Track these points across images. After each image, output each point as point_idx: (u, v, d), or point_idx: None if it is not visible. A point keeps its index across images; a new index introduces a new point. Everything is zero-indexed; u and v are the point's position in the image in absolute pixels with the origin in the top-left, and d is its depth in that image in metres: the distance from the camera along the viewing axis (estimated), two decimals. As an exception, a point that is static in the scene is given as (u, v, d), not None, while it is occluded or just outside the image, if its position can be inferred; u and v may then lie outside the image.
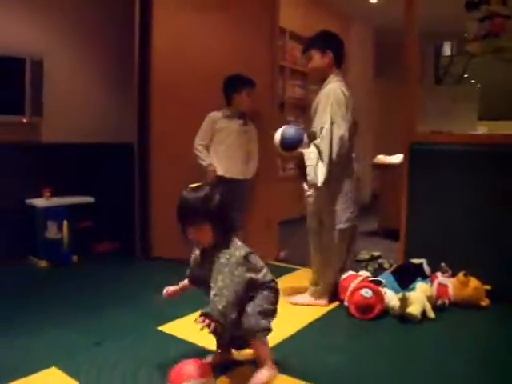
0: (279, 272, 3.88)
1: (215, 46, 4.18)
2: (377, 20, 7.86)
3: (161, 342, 2.59)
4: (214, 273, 2.08)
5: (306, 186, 3.19)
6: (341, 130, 3.01)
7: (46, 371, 2.23)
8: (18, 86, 4.07)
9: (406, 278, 3.12)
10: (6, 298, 3.28)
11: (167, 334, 2.69)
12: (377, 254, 4.39)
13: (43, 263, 4.09)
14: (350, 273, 3.18)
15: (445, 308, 3.05)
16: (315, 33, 3.32)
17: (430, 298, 2.97)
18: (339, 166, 3.08)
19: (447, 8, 4.48)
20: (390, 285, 3.09)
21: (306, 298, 3.25)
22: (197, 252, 2.29)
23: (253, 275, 2.13)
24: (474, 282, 3.10)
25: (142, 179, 4.37)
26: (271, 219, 4.31)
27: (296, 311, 3.10)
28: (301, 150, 3.05)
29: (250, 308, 2.12)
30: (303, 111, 6.76)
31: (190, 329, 2.27)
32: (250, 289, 2.13)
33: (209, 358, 2.30)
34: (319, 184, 3.01)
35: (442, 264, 3.27)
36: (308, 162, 3.01)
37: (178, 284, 2.34)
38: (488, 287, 3.18)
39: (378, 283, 3.05)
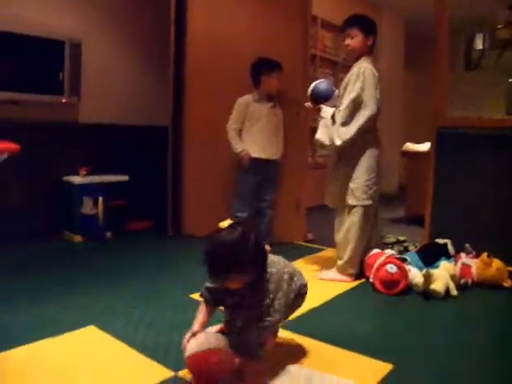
0: (307, 252, 4.05)
1: (248, 32, 4.27)
2: (407, 10, 7.86)
3: (192, 307, 2.72)
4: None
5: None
6: (367, 109, 3.13)
7: (86, 328, 2.38)
8: (57, 67, 4.23)
9: (430, 257, 3.20)
10: (47, 268, 3.47)
11: (198, 301, 2.82)
12: (402, 238, 4.46)
13: (78, 238, 4.26)
14: (376, 251, 3.27)
15: (468, 287, 3.12)
16: (358, 13, 3.39)
17: (453, 277, 3.04)
18: (362, 143, 3.22)
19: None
20: (414, 263, 3.17)
21: (332, 273, 3.35)
22: None
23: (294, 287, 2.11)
24: (497, 263, 3.16)
25: (175, 160, 4.50)
26: (300, 203, 4.42)
27: (323, 286, 3.20)
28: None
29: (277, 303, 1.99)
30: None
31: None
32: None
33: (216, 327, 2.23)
34: (326, 142, 3.26)
35: (466, 245, 3.33)
36: (322, 115, 3.28)
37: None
38: (511, 269, 3.24)
39: (403, 260, 3.13)
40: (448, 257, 3.24)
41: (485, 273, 3.15)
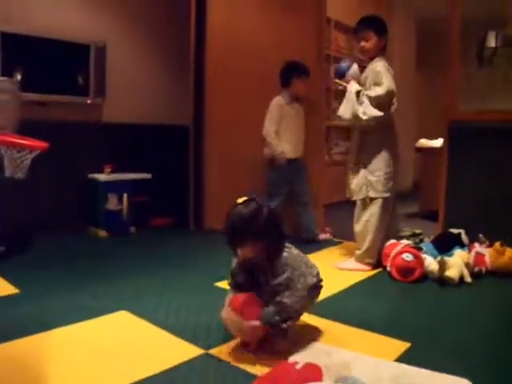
0: (325, 245, 4.18)
1: (266, 34, 4.41)
2: (418, 8, 7.95)
3: (217, 294, 2.86)
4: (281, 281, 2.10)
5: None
6: (383, 89, 3.27)
7: (118, 313, 2.53)
8: (83, 69, 4.43)
9: (444, 245, 3.32)
10: (77, 258, 3.68)
11: (224, 288, 2.96)
12: (418, 231, 4.56)
13: (103, 233, 4.43)
14: (392, 241, 3.39)
15: (482, 275, 3.22)
16: (370, 15, 3.53)
17: (467, 265, 3.15)
18: (382, 137, 3.38)
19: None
20: (429, 252, 3.29)
21: (351, 263, 3.48)
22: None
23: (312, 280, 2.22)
24: (510, 252, 3.26)
25: (196, 158, 4.67)
26: (318, 198, 4.54)
27: (342, 274, 3.34)
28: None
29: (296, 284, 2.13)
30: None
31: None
32: None
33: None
34: (346, 117, 3.43)
35: (480, 235, 3.44)
36: (349, 88, 3.44)
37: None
38: (524, 257, 3.34)
39: (419, 249, 3.25)
40: (462, 246, 3.36)
41: (498, 261, 3.25)
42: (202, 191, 4.65)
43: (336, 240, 4.36)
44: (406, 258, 3.11)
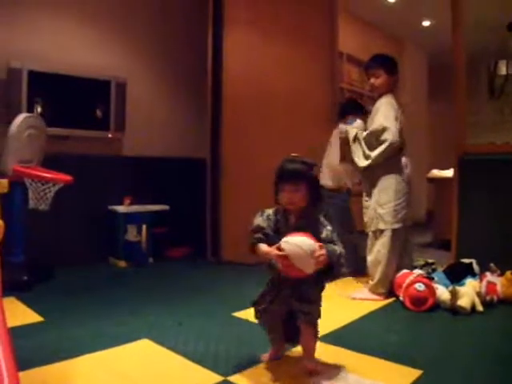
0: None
1: (280, 70, 4.58)
2: (430, 42, 8.10)
3: (235, 324, 2.96)
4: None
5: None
6: (390, 134, 3.38)
7: (140, 341, 2.62)
8: (104, 105, 4.59)
9: (456, 275, 3.39)
10: (100, 288, 3.82)
11: (241, 318, 3.05)
12: (431, 260, 4.62)
13: (122, 263, 4.55)
14: (405, 271, 3.47)
15: (493, 304, 3.28)
16: (381, 53, 3.69)
17: (478, 294, 3.22)
18: (389, 169, 3.49)
19: (494, 28, 4.74)
20: (441, 281, 3.36)
21: (364, 293, 3.56)
22: (269, 216, 2.34)
23: None
24: (521, 280, 3.34)
25: (213, 190, 4.80)
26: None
27: (355, 304, 3.41)
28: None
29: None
30: (360, 130, 7.06)
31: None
32: None
33: (265, 356, 2.39)
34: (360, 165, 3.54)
35: (491, 264, 3.50)
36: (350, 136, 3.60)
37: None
38: (535, 286, 3.39)
39: (431, 279, 3.33)
40: (473, 275, 3.43)
41: (509, 290, 3.31)
42: (220, 223, 4.76)
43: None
44: (419, 288, 3.18)
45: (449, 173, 5.46)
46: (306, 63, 4.56)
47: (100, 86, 4.57)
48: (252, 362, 2.34)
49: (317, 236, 2.17)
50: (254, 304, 2.32)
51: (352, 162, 3.64)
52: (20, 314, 3.03)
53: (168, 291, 3.75)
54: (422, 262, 4.53)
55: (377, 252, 3.50)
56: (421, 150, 8.43)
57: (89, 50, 4.61)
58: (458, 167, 3.93)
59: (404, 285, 3.29)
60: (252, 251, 2.27)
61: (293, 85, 4.49)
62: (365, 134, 3.50)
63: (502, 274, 3.43)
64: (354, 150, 3.58)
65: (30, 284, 3.60)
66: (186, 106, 5.38)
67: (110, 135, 4.62)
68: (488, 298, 3.27)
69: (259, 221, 2.32)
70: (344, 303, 2.93)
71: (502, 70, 8.95)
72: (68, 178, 3.69)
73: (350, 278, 4.20)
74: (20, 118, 3.70)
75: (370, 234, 3.59)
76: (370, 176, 3.56)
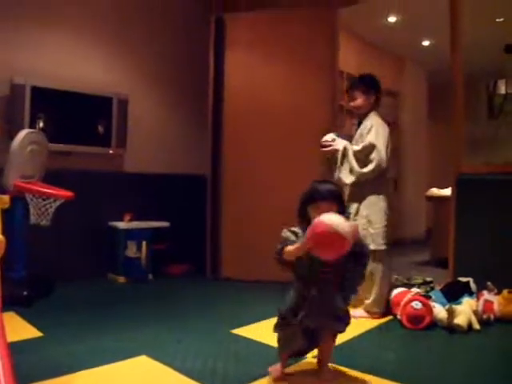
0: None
1: (281, 88, 4.63)
2: (430, 62, 8.16)
3: (233, 341, 2.97)
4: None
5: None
6: (379, 154, 3.41)
7: (138, 358, 2.63)
8: (106, 121, 4.64)
9: (453, 294, 3.41)
10: (100, 304, 3.83)
11: (239, 335, 3.07)
12: (429, 279, 4.63)
13: (122, 279, 4.57)
14: (402, 289, 3.49)
15: (490, 322, 3.30)
16: (360, 75, 3.75)
17: (475, 312, 3.24)
18: (378, 188, 3.50)
19: (491, 49, 4.82)
20: (438, 300, 3.38)
21: (359, 312, 3.57)
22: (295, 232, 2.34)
23: None
24: (517, 299, 3.36)
25: (214, 208, 4.83)
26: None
27: (352, 322, 3.40)
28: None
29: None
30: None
31: (260, 332, 2.61)
32: None
33: (276, 371, 2.39)
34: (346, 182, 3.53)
35: (488, 283, 3.52)
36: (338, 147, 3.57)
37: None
38: (532, 305, 3.41)
39: (428, 298, 3.35)
40: (470, 294, 3.45)
41: (506, 309, 3.33)
42: (219, 240, 4.79)
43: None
44: (416, 306, 3.20)
45: (447, 191, 5.49)
46: (307, 82, 4.61)
47: (102, 102, 4.62)
48: (249, 378, 2.35)
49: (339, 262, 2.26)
50: (282, 318, 2.34)
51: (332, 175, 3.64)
52: (20, 329, 3.05)
53: (167, 308, 3.76)
54: (419, 281, 4.56)
55: (370, 273, 3.51)
56: (420, 169, 8.48)
57: (91, 66, 4.67)
58: (455, 186, 3.97)
59: (401, 303, 3.31)
60: (280, 260, 2.32)
61: (293, 104, 4.54)
62: (355, 148, 3.52)
63: (498, 293, 3.45)
64: (340, 165, 3.59)
65: (30, 299, 3.62)
66: (186, 123, 5.44)
67: (111, 151, 4.66)
68: (485, 316, 3.29)
69: (287, 235, 2.34)
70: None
71: (501, 89, 9.05)
72: (69, 193, 3.73)
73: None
74: (22, 134, 3.74)
75: None
76: (359, 193, 3.55)
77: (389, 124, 3.67)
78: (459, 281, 3.61)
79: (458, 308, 3.16)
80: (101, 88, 4.63)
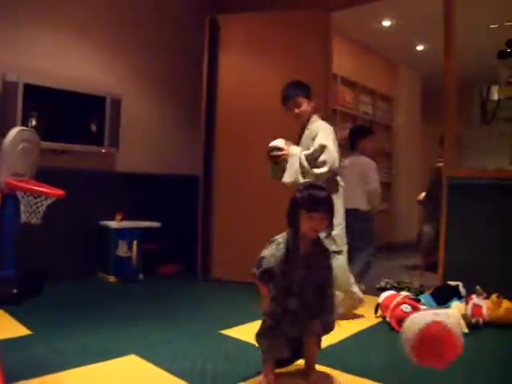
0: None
1: (273, 89, 4.63)
2: (424, 66, 8.21)
3: (222, 341, 2.98)
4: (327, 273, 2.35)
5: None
6: (329, 155, 3.38)
7: (127, 357, 2.63)
8: (98, 120, 4.63)
9: (442, 297, 3.43)
10: (90, 303, 3.84)
11: (229, 336, 3.08)
12: (419, 282, 4.67)
13: (112, 278, 4.57)
14: (392, 292, 3.51)
15: (479, 326, 3.31)
16: (291, 82, 3.68)
17: (464, 316, 3.25)
18: (335, 189, 3.50)
19: (486, 55, 4.85)
20: (427, 303, 3.40)
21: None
22: (279, 246, 2.33)
23: None
24: (506, 303, 3.37)
25: (205, 208, 4.83)
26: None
27: (343, 324, 3.40)
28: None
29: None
30: (353, 151, 7.14)
31: (249, 333, 2.60)
32: None
33: (264, 380, 2.33)
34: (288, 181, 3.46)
35: (477, 287, 3.54)
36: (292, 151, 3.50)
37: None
38: (521, 309, 3.43)
39: (417, 301, 3.37)
40: (459, 298, 3.47)
41: (495, 313, 3.35)
42: (211, 241, 4.79)
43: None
44: (405, 309, 3.21)
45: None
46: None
47: (95, 101, 4.61)
48: (239, 379, 2.36)
49: (322, 271, 2.32)
50: (266, 330, 2.31)
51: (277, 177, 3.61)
52: (9, 327, 3.05)
53: (157, 308, 3.77)
54: (410, 284, 4.60)
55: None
56: (413, 173, 8.51)
57: (85, 65, 4.67)
58: (447, 191, 3.99)
59: (391, 306, 3.32)
60: (255, 282, 2.38)
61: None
62: (306, 153, 3.44)
63: (487, 297, 3.47)
64: (288, 166, 3.50)
65: (19, 297, 3.61)
66: (179, 124, 5.44)
67: (103, 150, 4.65)
68: (474, 320, 3.30)
69: (269, 261, 2.31)
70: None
71: (495, 95, 9.08)
72: (60, 192, 3.71)
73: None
74: (14, 132, 3.73)
75: None
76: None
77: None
78: (449, 285, 3.63)
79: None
80: (94, 87, 4.62)
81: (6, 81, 4.08)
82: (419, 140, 8.83)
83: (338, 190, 3.53)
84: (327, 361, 2.60)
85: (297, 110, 3.60)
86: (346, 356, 2.80)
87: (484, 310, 3.37)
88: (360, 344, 3.07)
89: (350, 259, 4.48)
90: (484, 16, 5.38)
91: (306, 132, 3.60)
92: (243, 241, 4.57)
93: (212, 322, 3.40)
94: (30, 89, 4.16)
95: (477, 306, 3.37)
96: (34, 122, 4.20)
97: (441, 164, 4.61)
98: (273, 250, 2.32)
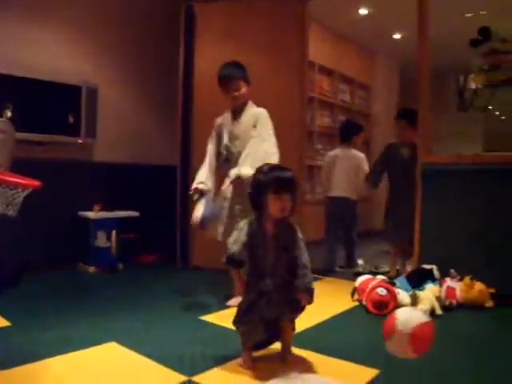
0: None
1: (251, 77, 4.65)
2: (401, 55, 8.28)
3: (201, 327, 3.03)
4: (297, 247, 2.35)
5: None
6: (271, 144, 3.42)
7: (107, 344, 2.66)
8: (75, 110, 4.59)
9: (417, 281, 3.51)
10: (69, 293, 3.86)
11: (207, 321, 3.12)
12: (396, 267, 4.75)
13: (92, 269, 4.57)
14: (368, 276, 3.58)
15: (452, 308, 3.40)
16: (232, 62, 3.68)
17: (438, 298, 3.34)
18: None
19: (461, 44, 4.92)
20: (403, 287, 3.47)
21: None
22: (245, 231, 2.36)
23: None
24: (479, 286, 3.46)
25: (183, 197, 4.84)
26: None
27: (321, 308, 3.44)
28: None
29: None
30: (330, 139, 7.19)
31: (227, 318, 2.63)
32: None
33: (246, 364, 2.37)
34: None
35: (451, 270, 3.62)
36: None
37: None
38: (492, 290, 3.52)
39: (393, 284, 3.44)
40: (433, 280, 3.54)
41: (468, 295, 3.44)
42: (189, 229, 4.81)
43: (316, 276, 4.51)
44: (381, 293, 3.28)
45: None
46: (277, 73, 4.63)
47: (71, 91, 4.56)
48: (217, 362, 2.40)
49: (292, 247, 2.33)
50: (243, 314, 2.36)
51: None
52: (-13, 318, 3.05)
53: (136, 296, 3.79)
54: (386, 269, 4.68)
55: None
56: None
57: (60, 54, 4.62)
58: (421, 176, 4.05)
59: (367, 289, 3.39)
60: (229, 264, 2.44)
61: (263, 94, 4.54)
62: (248, 173, 3.17)
63: (461, 280, 3.55)
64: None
65: (-3, 288, 3.60)
66: (157, 112, 5.44)
67: (80, 141, 4.61)
68: (447, 302, 3.39)
69: (232, 247, 2.36)
70: (310, 306, 2.98)
71: (472, 84, 9.20)
72: (36, 183, 3.68)
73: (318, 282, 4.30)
74: (-12, 123, 3.70)
75: None
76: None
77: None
78: (423, 268, 3.71)
79: (421, 294, 3.25)
80: (70, 77, 4.56)
81: (-24, 71, 4.02)
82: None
83: None
84: (304, 343, 2.66)
85: (236, 93, 3.56)
86: (323, 338, 2.86)
87: (457, 292, 3.45)
88: (336, 326, 3.14)
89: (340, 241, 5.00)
90: (459, 5, 5.45)
91: (243, 118, 3.58)
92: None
93: (191, 308, 3.45)
94: (3, 79, 4.09)
95: (450, 289, 3.46)
96: (9, 113, 4.16)
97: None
98: (235, 236, 2.37)
